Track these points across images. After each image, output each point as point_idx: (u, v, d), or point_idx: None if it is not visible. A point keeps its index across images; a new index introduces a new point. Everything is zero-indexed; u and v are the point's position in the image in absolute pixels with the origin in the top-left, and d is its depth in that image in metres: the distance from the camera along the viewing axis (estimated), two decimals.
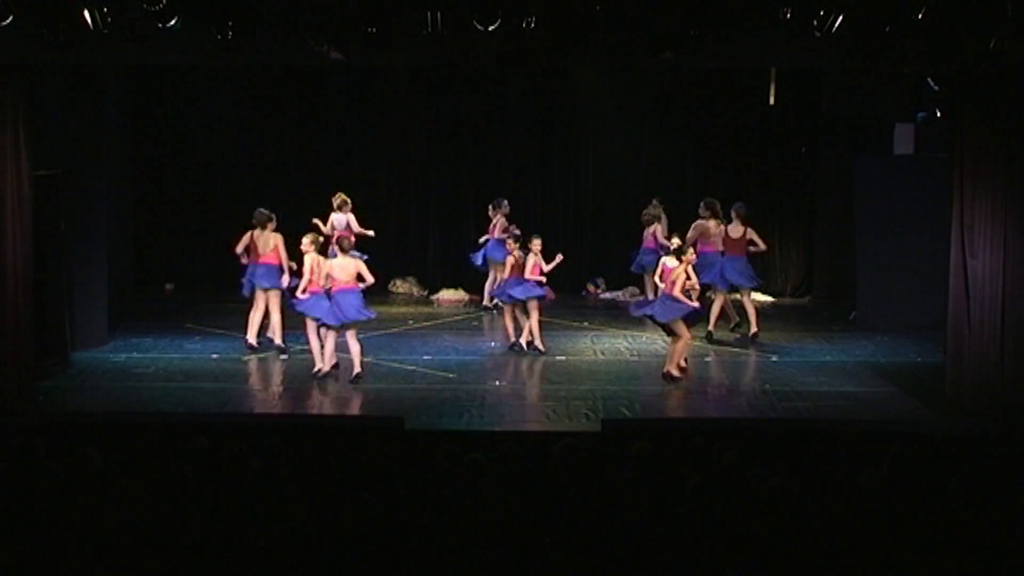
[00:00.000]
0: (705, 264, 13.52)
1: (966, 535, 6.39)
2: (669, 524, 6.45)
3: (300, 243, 12.24)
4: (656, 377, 12.38)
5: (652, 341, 13.70)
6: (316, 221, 13.81)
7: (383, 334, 13.63)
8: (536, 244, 13.00)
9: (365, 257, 12.68)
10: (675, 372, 12.11)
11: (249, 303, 13.10)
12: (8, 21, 9.58)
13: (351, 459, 7.83)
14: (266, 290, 12.94)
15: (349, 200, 14.48)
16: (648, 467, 7.41)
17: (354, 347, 11.94)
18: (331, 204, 14.40)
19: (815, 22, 9.68)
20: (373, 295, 12.86)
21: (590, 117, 17.02)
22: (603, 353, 13.47)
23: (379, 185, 16.42)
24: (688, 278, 12.07)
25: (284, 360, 12.86)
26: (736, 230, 13.79)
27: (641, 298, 15.30)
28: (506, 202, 15.29)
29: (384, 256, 15.42)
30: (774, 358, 13.41)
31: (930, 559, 6.19)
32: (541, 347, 13.12)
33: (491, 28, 9.67)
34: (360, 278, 11.95)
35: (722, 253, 13.80)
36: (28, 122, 11.04)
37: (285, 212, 14.94)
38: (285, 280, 12.82)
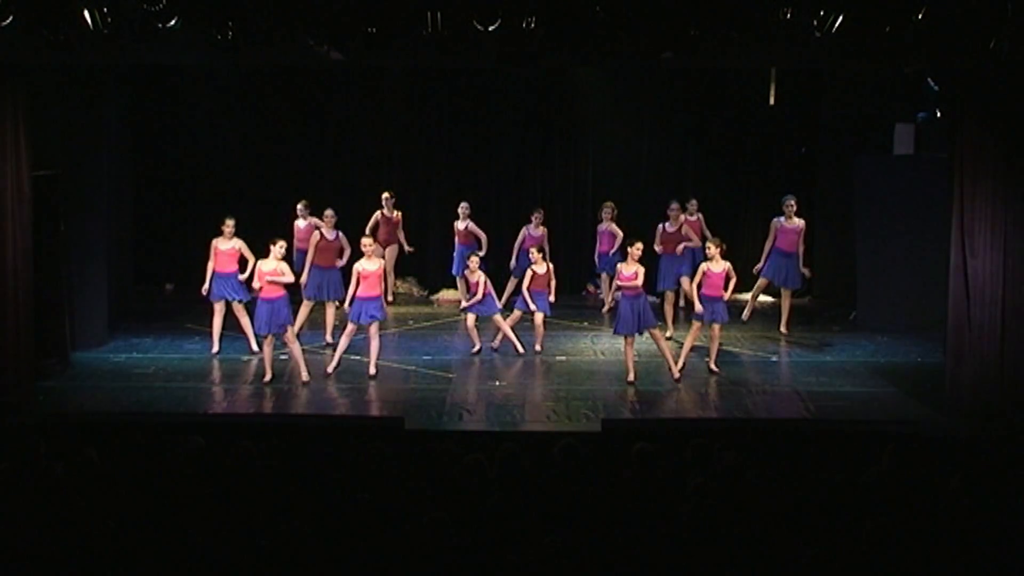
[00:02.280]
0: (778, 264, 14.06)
1: (965, 535, 6.39)
2: (669, 524, 6.45)
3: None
4: (656, 377, 12.41)
5: (651, 341, 13.69)
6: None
7: (383, 334, 13.60)
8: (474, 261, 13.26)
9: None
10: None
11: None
12: (8, 21, 9.58)
13: (351, 459, 7.83)
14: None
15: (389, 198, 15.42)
16: (648, 467, 7.41)
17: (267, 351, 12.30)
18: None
19: (815, 22, 9.68)
20: None
21: (590, 117, 16.99)
22: (603, 353, 13.48)
23: (379, 185, 16.39)
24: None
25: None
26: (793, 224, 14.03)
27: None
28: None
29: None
30: (774, 358, 13.43)
31: (930, 559, 6.19)
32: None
33: (491, 28, 9.67)
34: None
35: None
36: (28, 122, 11.05)
37: (284, 212, 15.03)
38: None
